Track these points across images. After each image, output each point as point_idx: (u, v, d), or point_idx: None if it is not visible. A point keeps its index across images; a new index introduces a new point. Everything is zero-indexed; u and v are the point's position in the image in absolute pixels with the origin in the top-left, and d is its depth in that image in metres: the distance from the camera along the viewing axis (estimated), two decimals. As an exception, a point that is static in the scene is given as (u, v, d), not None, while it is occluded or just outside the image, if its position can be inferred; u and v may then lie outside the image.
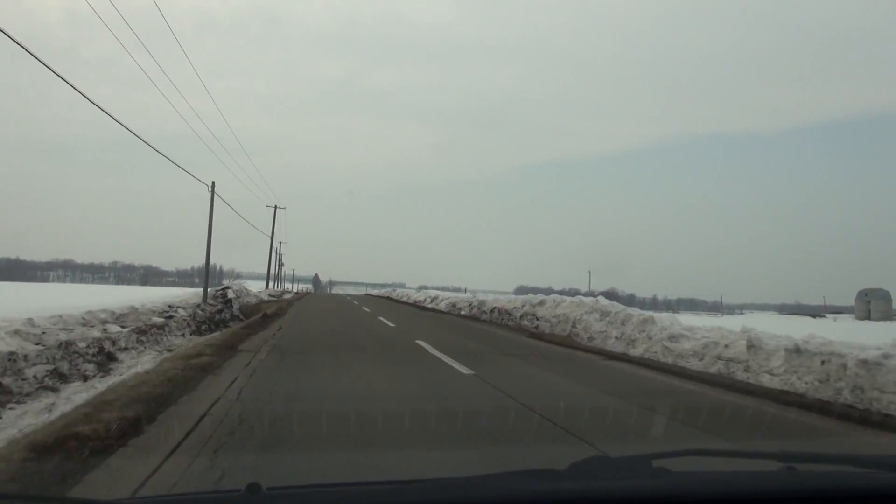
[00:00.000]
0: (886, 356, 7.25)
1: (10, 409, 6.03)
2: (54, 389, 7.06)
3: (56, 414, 5.69)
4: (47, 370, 7.69)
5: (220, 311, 21.34)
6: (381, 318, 21.39)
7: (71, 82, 12.60)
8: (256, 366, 8.70)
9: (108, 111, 14.63)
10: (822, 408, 6.89)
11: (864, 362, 7.32)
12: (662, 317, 13.20)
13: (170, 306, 19.37)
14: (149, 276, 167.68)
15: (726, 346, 9.92)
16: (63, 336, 9.69)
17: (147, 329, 12.83)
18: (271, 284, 69.59)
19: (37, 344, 8.84)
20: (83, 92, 13.19)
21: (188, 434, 4.78)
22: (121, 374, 8.36)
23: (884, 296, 78.65)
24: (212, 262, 26.10)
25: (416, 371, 9.08)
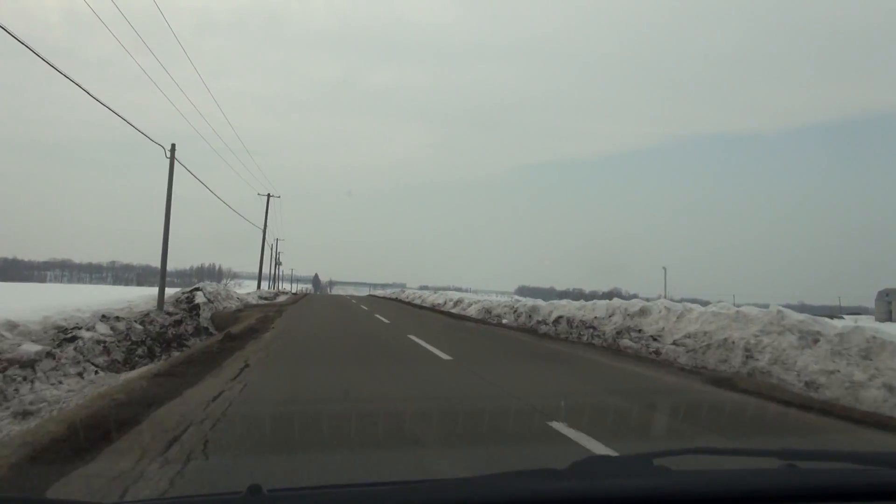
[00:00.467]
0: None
1: None
2: None
3: None
4: None
5: (177, 323, 15.04)
6: (413, 338, 13.55)
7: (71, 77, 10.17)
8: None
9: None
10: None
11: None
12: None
13: (104, 316, 13.22)
14: (146, 275, 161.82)
15: None
16: None
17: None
18: (266, 284, 61.47)
19: None
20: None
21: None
22: None
23: (906, 296, 75.13)
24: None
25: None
